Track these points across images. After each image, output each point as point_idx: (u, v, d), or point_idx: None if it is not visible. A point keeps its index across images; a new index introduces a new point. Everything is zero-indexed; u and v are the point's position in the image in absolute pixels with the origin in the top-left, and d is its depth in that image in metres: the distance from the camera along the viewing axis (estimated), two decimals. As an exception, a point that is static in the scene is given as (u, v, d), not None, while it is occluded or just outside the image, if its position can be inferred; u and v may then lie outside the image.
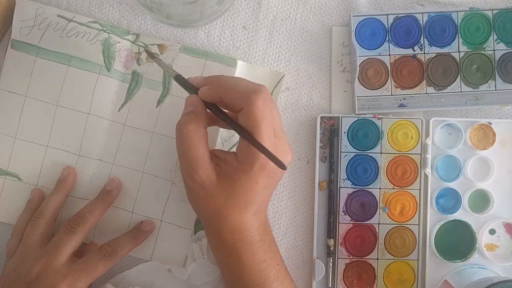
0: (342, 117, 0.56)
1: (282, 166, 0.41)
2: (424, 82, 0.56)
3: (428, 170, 0.56)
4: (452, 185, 0.56)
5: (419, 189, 0.56)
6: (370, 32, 0.56)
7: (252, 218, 0.48)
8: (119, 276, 0.55)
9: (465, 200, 0.56)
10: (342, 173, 0.56)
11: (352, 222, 0.56)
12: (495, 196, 0.56)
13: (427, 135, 0.56)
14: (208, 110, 0.47)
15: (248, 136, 0.44)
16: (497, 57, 0.56)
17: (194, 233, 0.55)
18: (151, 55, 0.52)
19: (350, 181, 0.56)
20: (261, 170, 0.45)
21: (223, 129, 0.55)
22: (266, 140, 0.44)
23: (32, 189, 0.55)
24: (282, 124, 0.57)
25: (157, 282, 0.55)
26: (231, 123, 0.45)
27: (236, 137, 0.56)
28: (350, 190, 0.56)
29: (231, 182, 0.46)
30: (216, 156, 0.48)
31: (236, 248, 0.48)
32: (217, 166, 0.47)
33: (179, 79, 0.48)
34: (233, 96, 0.45)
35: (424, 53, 0.56)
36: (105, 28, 0.56)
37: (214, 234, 0.49)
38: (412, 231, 0.56)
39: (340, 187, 0.56)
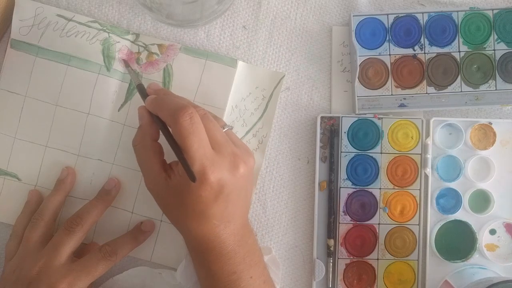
0: (342, 117, 0.56)
1: (192, 178, 0.43)
2: (424, 82, 0.56)
3: (428, 170, 0.56)
4: (453, 185, 0.56)
5: (420, 189, 0.56)
6: (370, 32, 0.56)
7: (216, 229, 0.47)
8: (109, 281, 0.54)
9: (465, 200, 0.56)
10: (342, 173, 0.56)
11: (352, 222, 0.56)
12: (495, 196, 0.56)
13: (428, 135, 0.56)
14: None
15: (175, 150, 0.45)
16: (497, 57, 0.56)
17: (194, 233, 0.55)
18: (126, 64, 0.55)
19: (350, 181, 0.56)
20: (201, 184, 0.45)
21: None
22: (195, 155, 0.44)
23: (30, 191, 0.55)
24: (283, 124, 0.57)
25: (148, 285, 0.54)
26: (167, 136, 0.47)
27: None
28: (350, 190, 0.56)
29: (179, 194, 0.46)
30: (171, 167, 0.49)
31: (204, 258, 0.48)
32: (168, 178, 0.47)
33: (140, 88, 0.51)
34: (164, 113, 0.46)
35: (425, 53, 0.56)
36: (104, 28, 0.55)
37: (186, 242, 0.50)
38: (412, 231, 0.56)
39: (340, 187, 0.56)
